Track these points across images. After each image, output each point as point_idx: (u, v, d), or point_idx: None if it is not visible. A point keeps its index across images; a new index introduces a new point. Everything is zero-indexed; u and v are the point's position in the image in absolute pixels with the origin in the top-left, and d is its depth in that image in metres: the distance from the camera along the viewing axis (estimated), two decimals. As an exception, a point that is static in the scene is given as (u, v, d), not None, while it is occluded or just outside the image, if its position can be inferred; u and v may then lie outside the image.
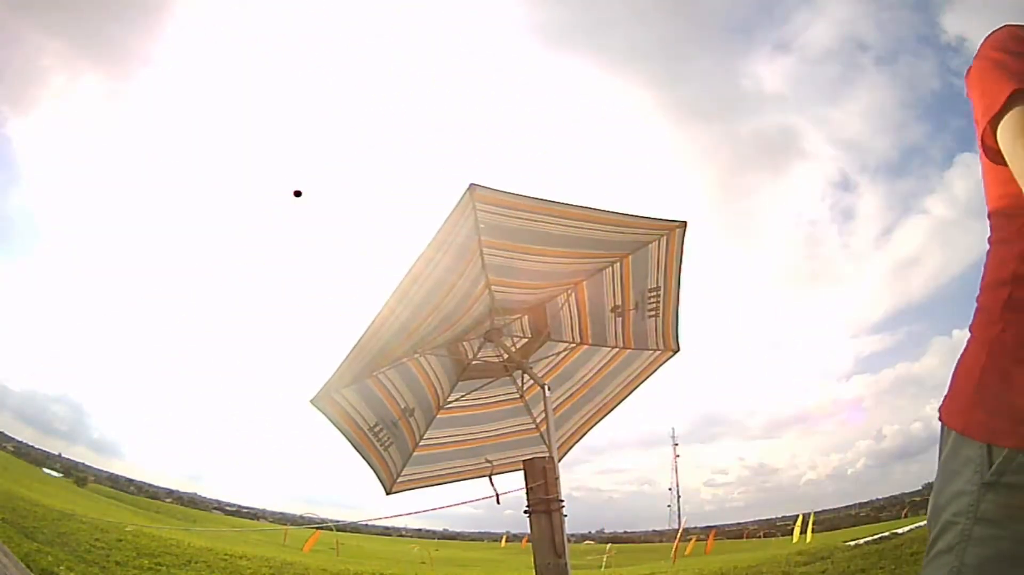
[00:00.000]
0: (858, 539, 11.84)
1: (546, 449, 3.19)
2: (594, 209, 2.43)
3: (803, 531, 14.66)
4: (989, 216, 0.95)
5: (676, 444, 56.83)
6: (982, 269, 0.95)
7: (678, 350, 3.20)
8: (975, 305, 0.93)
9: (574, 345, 3.33)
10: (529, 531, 2.37)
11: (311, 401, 2.72)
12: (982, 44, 0.93)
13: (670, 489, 54.80)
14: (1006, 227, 0.91)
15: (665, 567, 14.01)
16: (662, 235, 2.76)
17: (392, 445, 3.10)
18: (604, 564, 17.13)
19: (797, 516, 15.62)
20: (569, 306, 3.17)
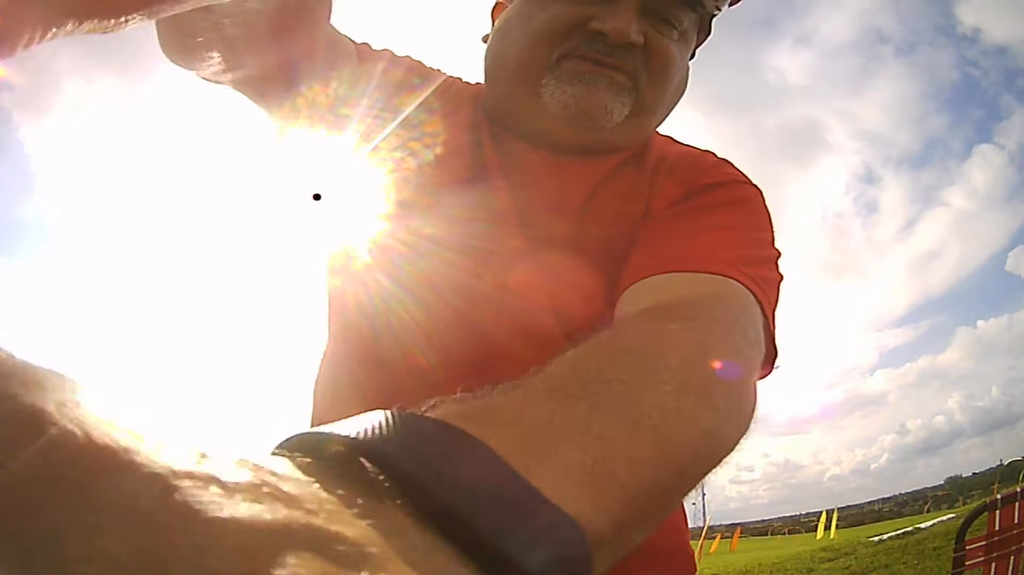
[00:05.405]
0: (881, 534, 12.02)
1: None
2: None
3: (827, 527, 14.95)
4: None
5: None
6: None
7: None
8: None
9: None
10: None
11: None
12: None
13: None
14: None
15: (692, 565, 14.29)
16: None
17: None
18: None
19: (821, 512, 15.93)
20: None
